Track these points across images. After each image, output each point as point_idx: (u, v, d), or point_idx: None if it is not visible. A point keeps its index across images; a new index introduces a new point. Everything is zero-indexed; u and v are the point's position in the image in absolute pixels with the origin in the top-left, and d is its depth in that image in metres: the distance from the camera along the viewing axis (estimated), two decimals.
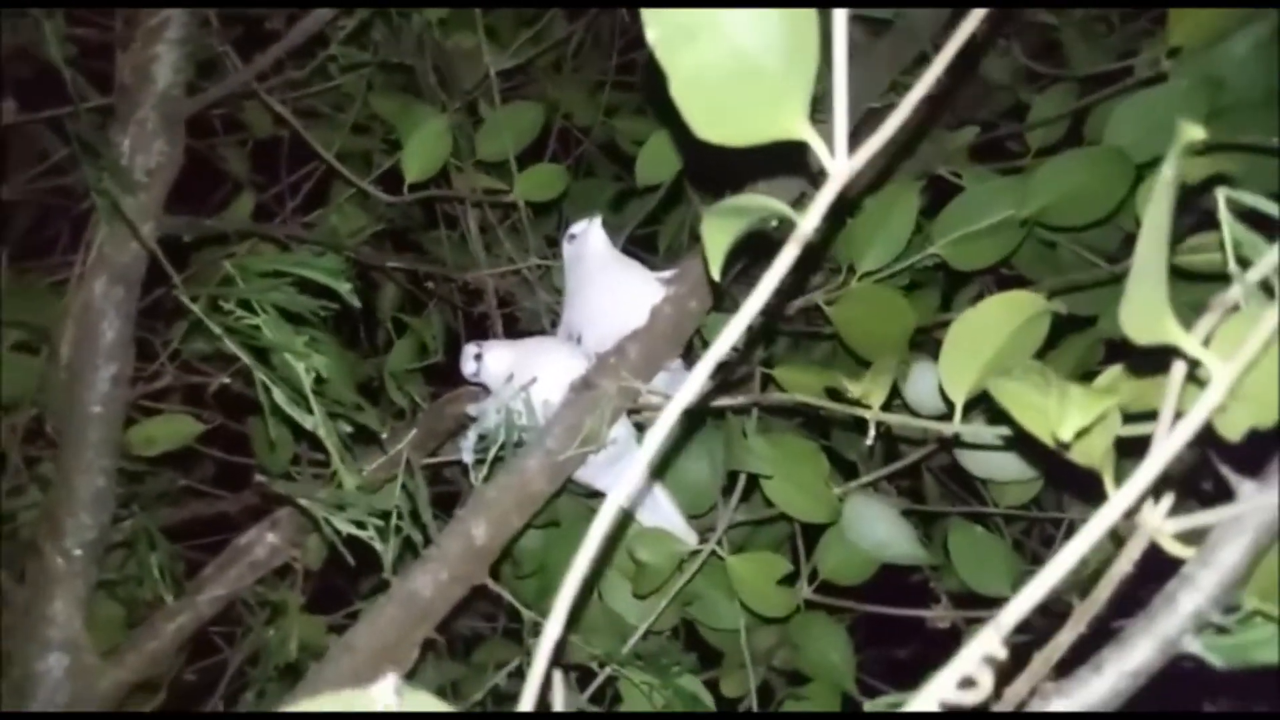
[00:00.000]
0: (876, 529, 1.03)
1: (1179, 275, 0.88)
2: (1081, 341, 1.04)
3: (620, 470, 0.96)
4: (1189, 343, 0.35)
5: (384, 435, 1.08)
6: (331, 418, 0.79)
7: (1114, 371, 0.60)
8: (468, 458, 0.92)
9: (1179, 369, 0.39)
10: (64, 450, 1.01)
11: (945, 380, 0.67)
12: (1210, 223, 0.96)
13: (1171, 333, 0.35)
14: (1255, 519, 0.42)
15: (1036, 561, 1.15)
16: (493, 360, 0.94)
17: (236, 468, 1.35)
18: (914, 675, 1.17)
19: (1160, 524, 0.43)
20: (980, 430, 0.68)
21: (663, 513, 1.01)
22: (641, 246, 1.53)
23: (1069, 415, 0.39)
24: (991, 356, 0.65)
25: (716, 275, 0.54)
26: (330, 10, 1.06)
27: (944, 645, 1.13)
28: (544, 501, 0.91)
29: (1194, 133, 0.33)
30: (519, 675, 1.15)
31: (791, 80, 0.42)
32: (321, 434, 0.75)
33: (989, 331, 0.65)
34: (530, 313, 1.33)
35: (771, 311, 1.05)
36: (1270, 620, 0.44)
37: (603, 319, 0.96)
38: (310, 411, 0.74)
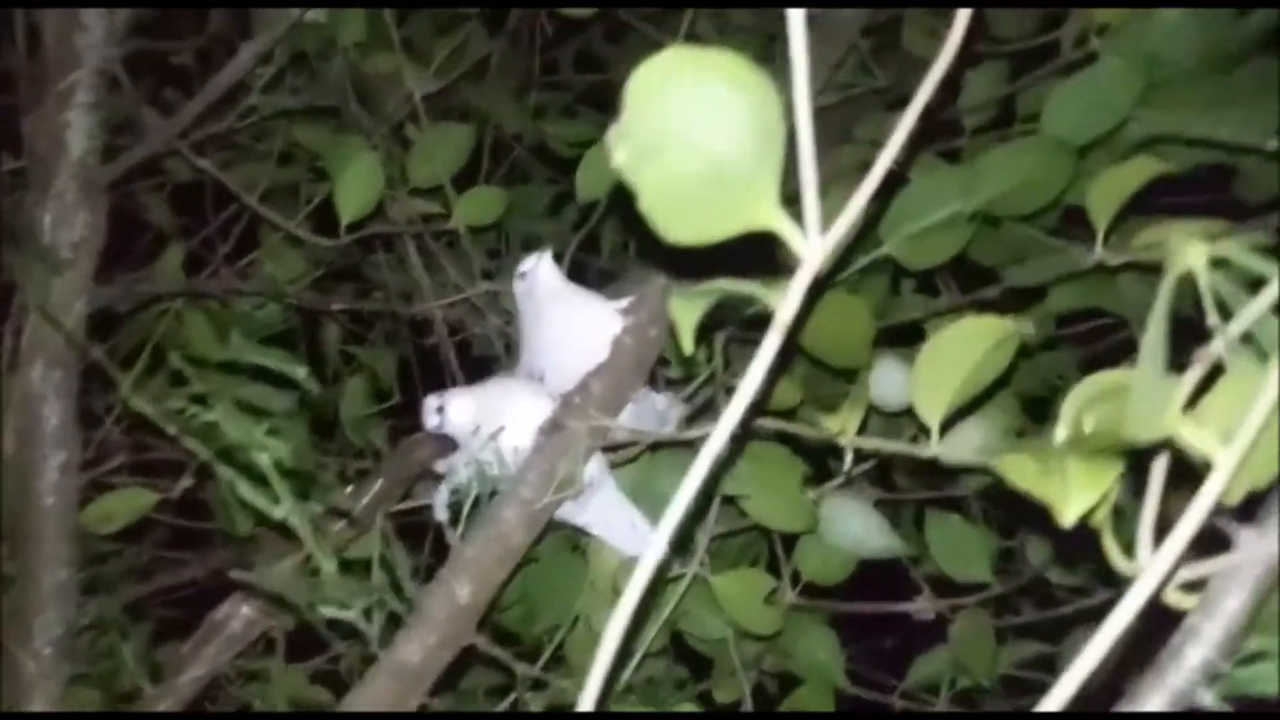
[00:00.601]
0: (853, 527, 1.04)
1: (1138, 269, 0.89)
2: (1032, 316, 1.05)
3: (596, 505, 0.95)
4: (1193, 433, 0.35)
5: (348, 490, 1.06)
6: (298, 496, 0.77)
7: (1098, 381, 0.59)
8: (442, 515, 0.91)
9: (1161, 464, 0.39)
10: (20, 547, 0.98)
11: (918, 405, 0.68)
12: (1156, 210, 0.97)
13: (1177, 427, 0.35)
14: (1255, 567, 0.42)
15: (1006, 534, 1.16)
16: (455, 412, 0.92)
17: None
18: (902, 664, 1.18)
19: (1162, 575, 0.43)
20: (957, 453, 0.68)
21: (638, 535, 1.00)
22: (581, 249, 1.52)
23: (1071, 499, 0.39)
24: (962, 380, 0.66)
25: (689, 351, 0.53)
26: (248, 60, 1.02)
27: (929, 632, 1.15)
28: (525, 551, 0.90)
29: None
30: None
31: (760, 174, 0.41)
32: (291, 523, 0.73)
33: (959, 356, 0.65)
34: (482, 338, 1.31)
35: (732, 322, 1.05)
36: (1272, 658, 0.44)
37: (563, 356, 0.94)
38: (276, 500, 0.72)
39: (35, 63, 1.11)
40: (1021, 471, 0.43)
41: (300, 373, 0.73)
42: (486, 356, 1.33)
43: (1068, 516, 0.39)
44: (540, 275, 0.95)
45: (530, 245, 1.55)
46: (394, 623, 0.85)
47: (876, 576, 1.15)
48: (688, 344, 0.55)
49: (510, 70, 1.60)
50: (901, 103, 1.25)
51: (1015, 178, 0.88)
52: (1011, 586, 1.06)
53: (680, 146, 0.38)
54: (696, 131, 0.38)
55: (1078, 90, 0.86)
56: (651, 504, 1.05)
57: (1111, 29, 0.90)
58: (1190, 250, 0.34)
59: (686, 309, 0.54)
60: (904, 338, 1.07)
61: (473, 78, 1.54)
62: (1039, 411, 1.08)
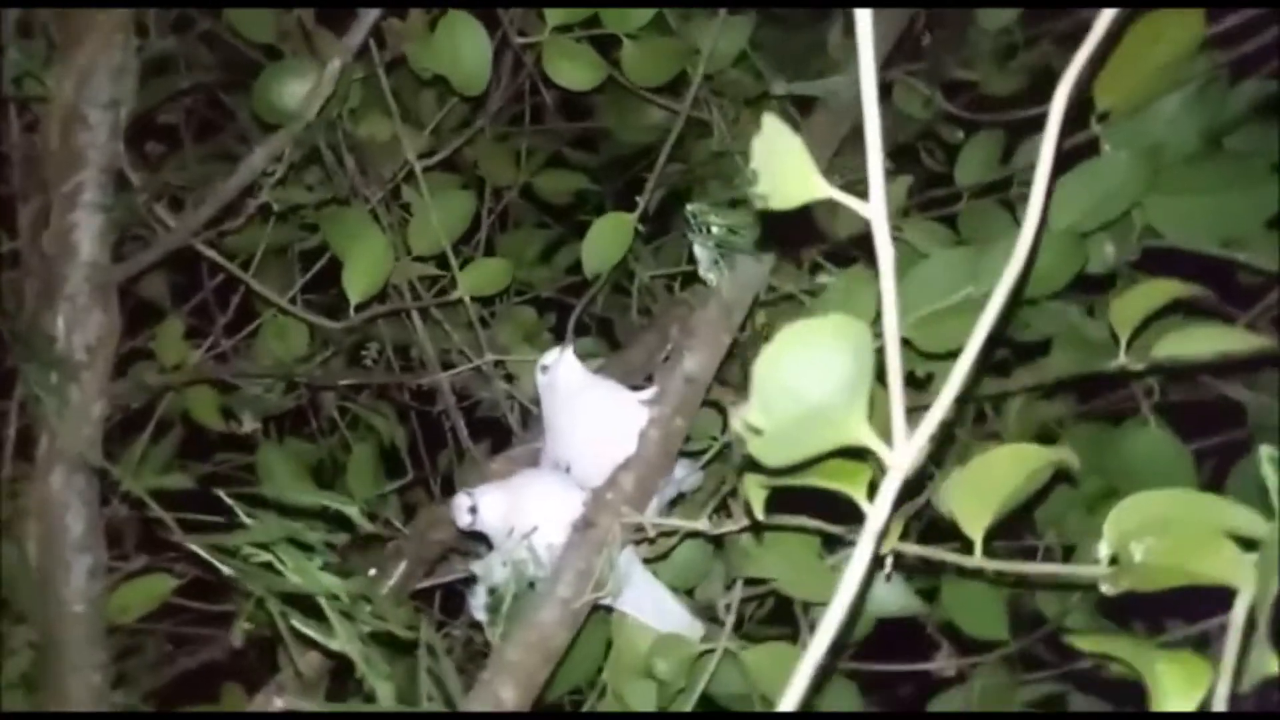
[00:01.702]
0: (874, 589, 1.06)
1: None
2: (1035, 370, 1.09)
3: (625, 588, 0.97)
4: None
5: (371, 572, 1.07)
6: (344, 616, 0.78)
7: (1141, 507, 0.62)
8: (481, 615, 0.92)
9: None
10: (50, 655, 0.98)
11: (961, 519, 0.70)
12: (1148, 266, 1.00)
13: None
14: None
15: (1017, 585, 1.19)
16: (487, 509, 0.93)
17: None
18: (919, 708, 1.20)
19: None
20: (999, 565, 0.71)
21: (667, 611, 1.02)
22: (570, 292, 1.53)
23: (1167, 705, 0.41)
24: (1003, 499, 0.68)
25: (760, 516, 0.55)
26: (261, 161, 1.01)
27: (944, 680, 1.18)
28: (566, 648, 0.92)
29: None
30: None
31: (854, 406, 0.43)
32: (349, 652, 0.74)
33: (1001, 479, 0.67)
34: (489, 402, 1.32)
35: None
36: None
37: (589, 447, 0.96)
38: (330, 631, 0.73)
39: (30, 147, 1.10)
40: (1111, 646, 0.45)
41: (353, 511, 0.74)
42: (492, 418, 1.34)
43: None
44: (561, 370, 0.97)
45: (523, 292, 1.56)
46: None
47: (893, 628, 1.18)
48: (759, 513, 0.57)
49: (497, 118, 1.59)
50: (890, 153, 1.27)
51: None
52: (1026, 640, 1.09)
53: (790, 400, 0.40)
54: (805, 387, 0.41)
55: (1086, 181, 0.89)
56: (672, 573, 1.07)
57: (1113, 117, 0.92)
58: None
59: (756, 488, 0.56)
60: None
61: (462, 128, 1.54)
62: None
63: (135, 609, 1.12)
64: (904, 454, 0.44)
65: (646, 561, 0.97)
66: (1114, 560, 0.63)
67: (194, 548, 0.71)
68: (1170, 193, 0.91)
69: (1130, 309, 0.77)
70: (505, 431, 1.30)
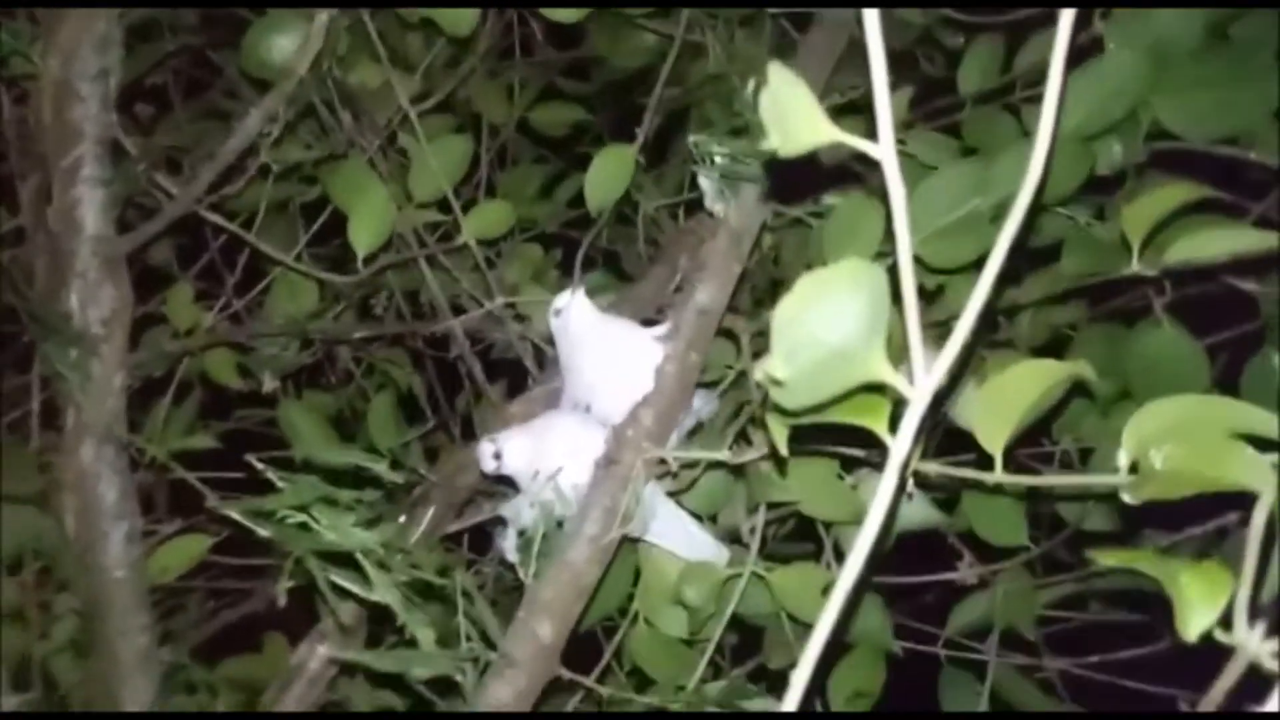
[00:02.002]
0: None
1: None
2: (1046, 277, 1.08)
3: (651, 520, 0.98)
4: None
5: (401, 519, 1.09)
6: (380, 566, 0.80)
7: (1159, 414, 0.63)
8: (512, 556, 0.94)
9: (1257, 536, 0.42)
10: (97, 622, 1.00)
11: (981, 436, 0.70)
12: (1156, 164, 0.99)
13: None
14: None
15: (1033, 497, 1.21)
16: (511, 454, 0.94)
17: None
18: (942, 615, 1.23)
19: (1259, 646, 0.47)
20: (1021, 480, 0.72)
21: (692, 539, 1.04)
22: (574, 226, 1.52)
23: (1192, 620, 0.43)
24: (1021, 414, 0.69)
25: (784, 452, 0.56)
26: (257, 122, 1.00)
27: (967, 587, 1.20)
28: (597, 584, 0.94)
29: None
30: None
31: (873, 344, 0.44)
32: (388, 601, 0.76)
33: (1020, 395, 0.68)
34: (503, 343, 1.32)
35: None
36: None
37: (607, 386, 0.97)
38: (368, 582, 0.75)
39: (22, 122, 1.10)
40: (1139, 561, 0.46)
41: (382, 468, 0.76)
42: (507, 359, 1.35)
43: (1191, 633, 0.43)
44: (574, 312, 0.97)
45: (526, 229, 1.56)
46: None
47: (913, 538, 1.20)
48: (783, 449, 0.58)
49: (487, 52, 1.57)
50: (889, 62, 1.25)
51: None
52: (1046, 545, 1.10)
53: (810, 347, 0.41)
54: (824, 333, 0.41)
55: (1090, 83, 0.88)
56: (696, 502, 1.09)
57: (1116, 14, 0.91)
58: None
59: (779, 425, 0.57)
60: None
61: (453, 65, 1.52)
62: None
63: (174, 569, 1.14)
64: (924, 387, 0.45)
65: (670, 493, 0.99)
66: (1134, 468, 0.64)
67: (232, 514, 0.73)
68: (1176, 89, 0.89)
69: (1142, 214, 0.77)
70: (521, 370, 1.31)
